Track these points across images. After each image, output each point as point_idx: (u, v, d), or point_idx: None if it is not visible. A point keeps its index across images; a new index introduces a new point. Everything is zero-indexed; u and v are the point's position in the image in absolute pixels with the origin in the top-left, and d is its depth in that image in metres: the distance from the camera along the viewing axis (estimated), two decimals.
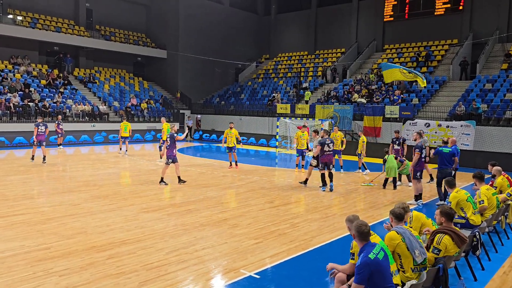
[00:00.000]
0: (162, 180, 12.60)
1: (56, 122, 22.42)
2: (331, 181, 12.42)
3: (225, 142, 16.63)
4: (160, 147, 18.48)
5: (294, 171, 16.42)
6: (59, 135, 22.28)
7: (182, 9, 34.01)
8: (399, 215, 4.92)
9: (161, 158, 17.94)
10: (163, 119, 18.91)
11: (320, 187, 12.63)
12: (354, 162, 17.28)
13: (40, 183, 12.34)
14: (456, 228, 5.52)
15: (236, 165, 16.68)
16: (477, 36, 28.29)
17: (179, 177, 12.84)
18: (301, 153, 16.31)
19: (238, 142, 17.01)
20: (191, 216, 9.13)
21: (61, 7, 31.37)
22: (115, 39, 33.01)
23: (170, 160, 12.50)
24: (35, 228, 7.85)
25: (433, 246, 5.15)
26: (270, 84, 35.37)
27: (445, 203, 9.26)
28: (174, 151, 12.55)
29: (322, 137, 12.63)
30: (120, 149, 21.31)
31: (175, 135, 12.65)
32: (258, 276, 5.92)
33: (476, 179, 8.24)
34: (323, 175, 12.38)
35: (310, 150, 18.40)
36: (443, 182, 9.23)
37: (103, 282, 5.55)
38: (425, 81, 17.68)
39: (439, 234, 5.24)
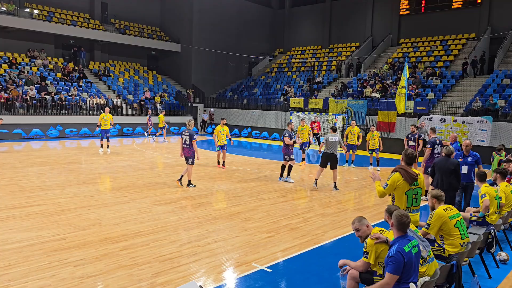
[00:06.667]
0: None
1: (148, 116, 25.82)
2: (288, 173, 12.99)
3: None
4: (108, 137, 18.13)
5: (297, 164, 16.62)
6: (150, 127, 25.43)
7: (196, 2, 34.03)
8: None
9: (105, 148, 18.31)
10: (107, 109, 18.99)
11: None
12: (366, 157, 17.12)
13: (56, 175, 12.54)
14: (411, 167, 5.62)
15: (223, 165, 15.16)
16: (495, 30, 27.75)
17: None
18: (301, 146, 16.76)
19: (228, 139, 15.48)
20: (204, 209, 9.18)
21: (77, 0, 31.67)
22: (130, 33, 33.21)
23: None
24: (51, 219, 7.99)
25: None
26: (283, 78, 35.25)
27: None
28: None
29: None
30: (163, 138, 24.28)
31: None
32: (269, 270, 5.94)
33: (499, 174, 8.00)
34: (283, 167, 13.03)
35: (318, 143, 18.54)
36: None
37: (117, 273, 5.63)
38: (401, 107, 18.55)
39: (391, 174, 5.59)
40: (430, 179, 10.84)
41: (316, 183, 11.85)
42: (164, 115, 25.01)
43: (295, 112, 25.92)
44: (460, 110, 22.70)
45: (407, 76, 20.21)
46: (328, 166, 11.61)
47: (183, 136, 11.25)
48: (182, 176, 11.48)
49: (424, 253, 4.53)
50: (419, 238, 4.66)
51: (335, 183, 11.89)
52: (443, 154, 8.05)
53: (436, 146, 10.88)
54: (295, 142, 12.81)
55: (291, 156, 12.73)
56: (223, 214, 8.78)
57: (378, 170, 15.73)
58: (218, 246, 6.80)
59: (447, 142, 12.74)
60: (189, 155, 11.19)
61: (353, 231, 4.84)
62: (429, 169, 10.76)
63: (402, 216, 4.26)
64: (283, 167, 13.05)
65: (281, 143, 13.26)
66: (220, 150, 15.28)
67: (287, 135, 12.81)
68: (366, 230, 4.69)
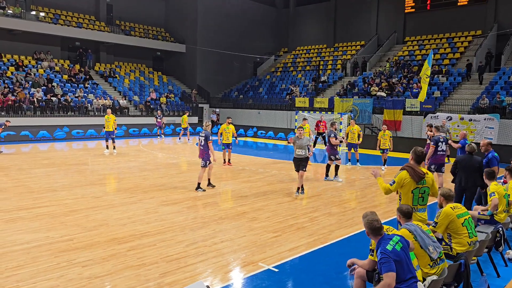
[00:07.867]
0: None
1: (156, 116, 25.87)
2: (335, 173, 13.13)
3: (221, 138, 15.51)
4: (113, 138, 18.07)
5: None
6: (158, 127, 25.77)
7: (200, 3, 34.10)
8: (407, 213, 4.86)
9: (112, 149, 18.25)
10: (109, 110, 18.63)
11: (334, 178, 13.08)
12: (372, 156, 17.07)
13: (63, 176, 12.62)
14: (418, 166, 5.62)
15: (229, 162, 15.63)
16: (502, 27, 27.51)
17: None
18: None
19: (234, 138, 15.52)
20: (210, 209, 9.20)
21: (82, 2, 31.88)
22: (135, 34, 33.36)
23: None
24: (58, 219, 8.04)
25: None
26: (288, 78, 35.21)
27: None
28: None
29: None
30: (179, 138, 24.67)
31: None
32: (276, 270, 5.94)
33: (508, 172, 7.90)
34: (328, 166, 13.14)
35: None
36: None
37: (124, 273, 5.65)
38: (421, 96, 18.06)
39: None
40: (436, 176, 10.90)
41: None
42: (188, 115, 24.93)
43: (300, 112, 25.88)
44: (467, 108, 22.54)
45: (431, 64, 19.85)
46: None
47: (199, 137, 10.92)
48: (209, 178, 11.41)
49: (434, 254, 4.50)
50: (431, 239, 4.62)
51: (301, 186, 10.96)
52: (466, 151, 8.22)
53: (440, 143, 10.88)
54: (341, 141, 12.82)
55: (337, 156, 12.85)
56: (229, 214, 8.79)
57: (383, 170, 15.61)
58: (224, 246, 6.80)
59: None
60: (202, 157, 10.77)
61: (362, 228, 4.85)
62: (432, 167, 10.87)
63: (372, 222, 4.27)
64: (328, 167, 13.06)
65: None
66: (226, 149, 15.56)
67: (332, 135, 12.81)
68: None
